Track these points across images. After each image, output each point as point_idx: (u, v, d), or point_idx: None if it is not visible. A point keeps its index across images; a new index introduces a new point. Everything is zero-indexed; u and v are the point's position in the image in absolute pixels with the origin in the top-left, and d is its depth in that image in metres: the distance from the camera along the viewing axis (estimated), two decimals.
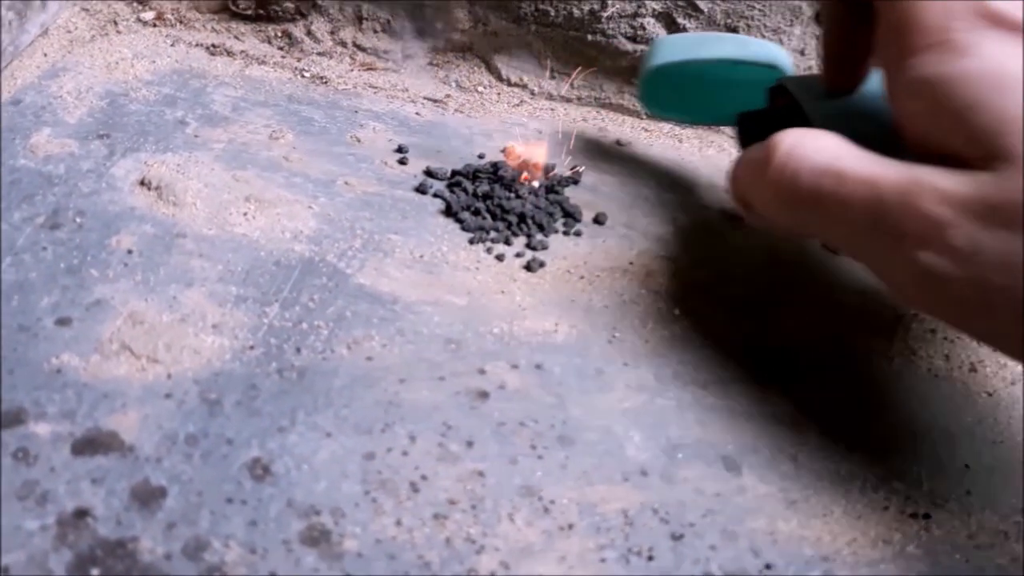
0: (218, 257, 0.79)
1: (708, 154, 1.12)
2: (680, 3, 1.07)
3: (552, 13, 1.09)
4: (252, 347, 0.71)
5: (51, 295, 0.72)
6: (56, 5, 1.02)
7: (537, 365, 0.75)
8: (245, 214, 0.84)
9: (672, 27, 1.09)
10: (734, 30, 1.09)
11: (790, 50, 1.10)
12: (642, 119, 1.14)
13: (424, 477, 0.64)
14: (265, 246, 0.81)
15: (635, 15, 1.08)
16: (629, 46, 1.10)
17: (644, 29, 1.09)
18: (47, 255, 0.76)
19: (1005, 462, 0.77)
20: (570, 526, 0.63)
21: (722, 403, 0.75)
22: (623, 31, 1.09)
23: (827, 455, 0.73)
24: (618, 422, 0.71)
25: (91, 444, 0.63)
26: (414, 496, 0.62)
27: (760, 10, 1.08)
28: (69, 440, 0.63)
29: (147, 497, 0.60)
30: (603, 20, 1.08)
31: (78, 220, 0.80)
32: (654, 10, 1.08)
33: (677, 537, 0.63)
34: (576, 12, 1.08)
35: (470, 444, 0.67)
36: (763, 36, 1.09)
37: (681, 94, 0.96)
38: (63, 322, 0.71)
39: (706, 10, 1.08)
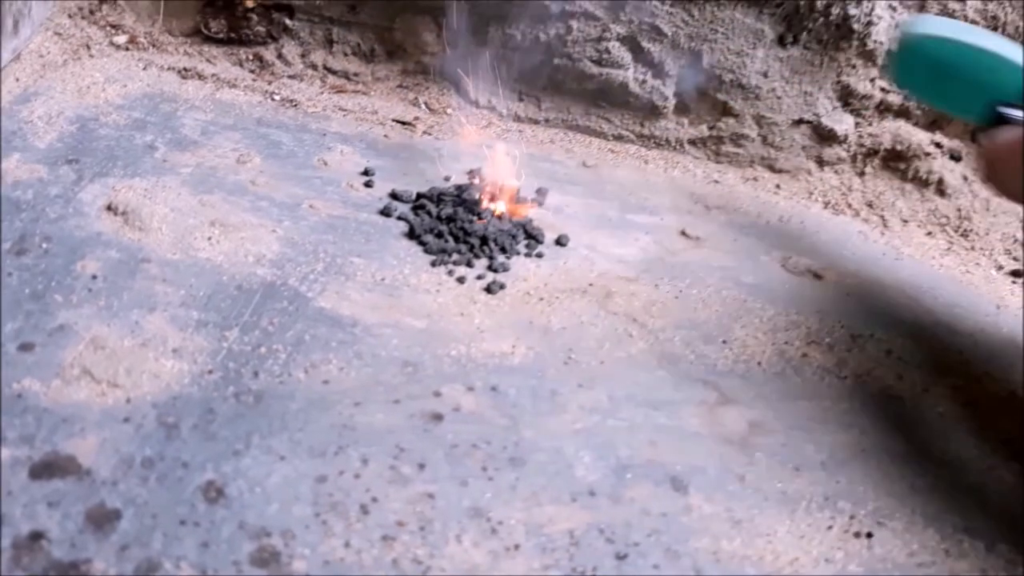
0: (181, 282, 0.80)
1: (673, 175, 1.14)
2: (644, 27, 1.09)
3: (519, 37, 1.11)
4: (211, 371, 0.73)
5: (15, 320, 0.74)
6: (29, 30, 1.04)
7: (493, 387, 0.77)
8: (210, 239, 0.86)
9: (637, 51, 1.11)
10: (698, 54, 1.11)
11: (753, 72, 1.12)
12: (608, 140, 1.16)
13: (375, 499, 0.65)
14: (228, 270, 0.83)
15: (600, 39, 1.10)
16: (595, 69, 1.12)
17: (609, 53, 1.11)
18: (12, 281, 0.77)
19: (950, 482, 0.79)
20: (516, 547, 0.64)
21: (673, 424, 0.77)
22: (588, 55, 1.11)
23: (775, 475, 0.75)
24: (570, 443, 0.73)
25: (49, 468, 0.64)
26: (364, 518, 0.64)
27: (723, 33, 1.10)
28: (27, 464, 0.64)
29: (102, 520, 0.62)
30: (569, 44, 1.10)
31: (44, 246, 0.81)
32: (619, 34, 1.10)
33: (621, 557, 0.65)
34: (543, 36, 1.10)
35: (422, 466, 0.68)
36: (726, 59, 1.11)
37: (932, 73, 0.92)
38: (26, 347, 0.72)
39: (670, 33, 1.10)
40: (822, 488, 0.75)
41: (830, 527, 0.71)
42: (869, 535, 0.71)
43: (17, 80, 1.02)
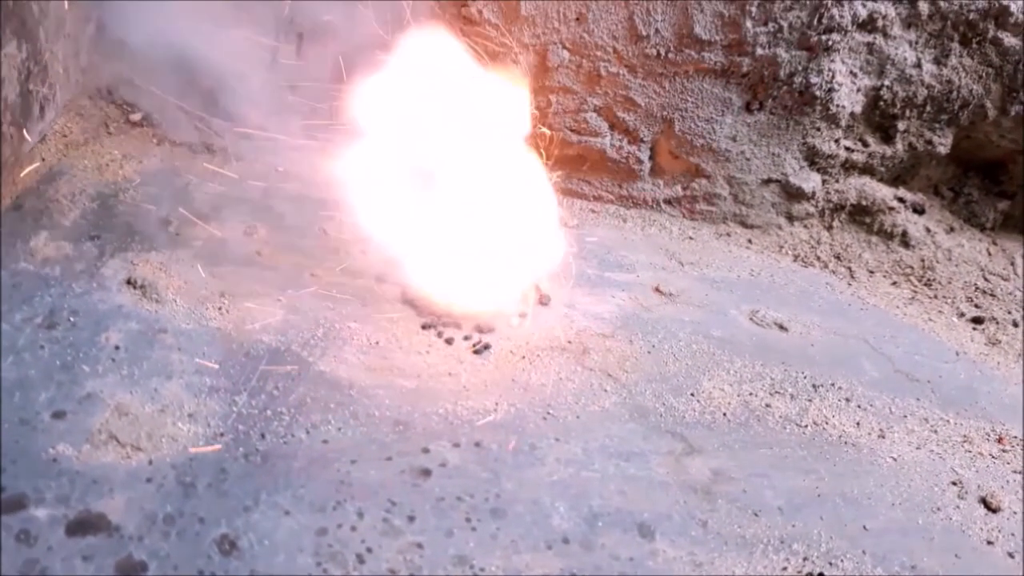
0: (195, 350, 0.89)
1: (650, 232, 1.22)
2: (619, 99, 1.18)
3: None
4: (223, 434, 0.81)
5: (48, 390, 0.82)
6: (53, 113, 1.13)
7: (476, 443, 0.84)
8: (220, 308, 0.94)
9: (613, 120, 1.20)
10: (670, 122, 1.20)
11: (722, 137, 1.21)
12: (589, 201, 1.25)
13: (369, 550, 0.73)
14: (236, 338, 0.91)
15: (578, 111, 1.19)
16: (574, 138, 1.21)
17: (587, 123, 1.20)
18: (44, 353, 0.86)
19: (900, 523, 0.86)
20: None
21: (642, 474, 0.85)
22: (567, 124, 1.20)
23: (735, 520, 0.82)
24: (546, 494, 0.81)
25: (82, 525, 0.72)
26: (360, 567, 0.72)
27: (693, 102, 1.19)
28: (63, 522, 0.72)
29: (130, 572, 0.69)
30: (549, 115, 1.19)
31: (72, 319, 0.90)
32: (595, 105, 1.19)
33: None
34: None
35: (411, 519, 0.76)
36: (697, 125, 1.20)
37: None
38: (58, 415, 0.80)
39: (643, 104, 1.19)
40: (778, 532, 0.82)
41: (784, 568, 0.79)
42: (820, 575, 0.79)
43: (43, 159, 1.11)
